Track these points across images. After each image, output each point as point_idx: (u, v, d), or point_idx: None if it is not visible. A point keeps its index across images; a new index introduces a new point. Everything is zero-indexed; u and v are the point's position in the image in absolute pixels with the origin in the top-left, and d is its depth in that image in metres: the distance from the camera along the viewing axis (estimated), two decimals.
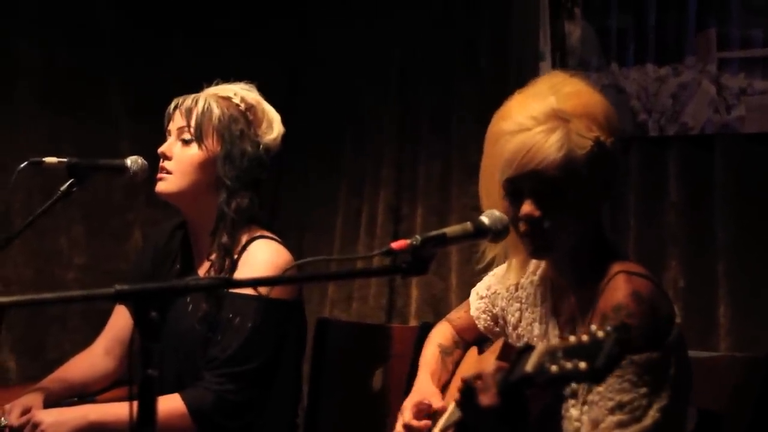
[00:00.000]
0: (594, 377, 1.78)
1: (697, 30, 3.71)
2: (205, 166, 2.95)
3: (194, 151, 2.95)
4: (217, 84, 3.04)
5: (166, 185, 2.96)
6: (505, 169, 2.17)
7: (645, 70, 3.81)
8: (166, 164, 2.96)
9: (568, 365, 1.78)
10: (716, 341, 3.60)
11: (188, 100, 2.97)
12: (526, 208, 2.16)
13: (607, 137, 2.17)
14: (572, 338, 1.82)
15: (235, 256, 2.93)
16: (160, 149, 2.98)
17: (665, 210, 3.77)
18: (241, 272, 2.89)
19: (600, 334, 1.77)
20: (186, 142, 2.95)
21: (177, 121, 2.98)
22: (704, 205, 3.70)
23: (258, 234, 2.97)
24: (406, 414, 2.47)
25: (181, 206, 3.03)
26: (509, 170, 2.16)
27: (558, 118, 2.14)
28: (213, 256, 2.93)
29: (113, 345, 3.14)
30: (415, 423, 2.46)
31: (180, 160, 2.95)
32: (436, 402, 2.48)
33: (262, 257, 2.91)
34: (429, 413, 2.50)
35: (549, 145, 2.13)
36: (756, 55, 3.61)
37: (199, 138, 2.93)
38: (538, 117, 2.14)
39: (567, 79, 2.24)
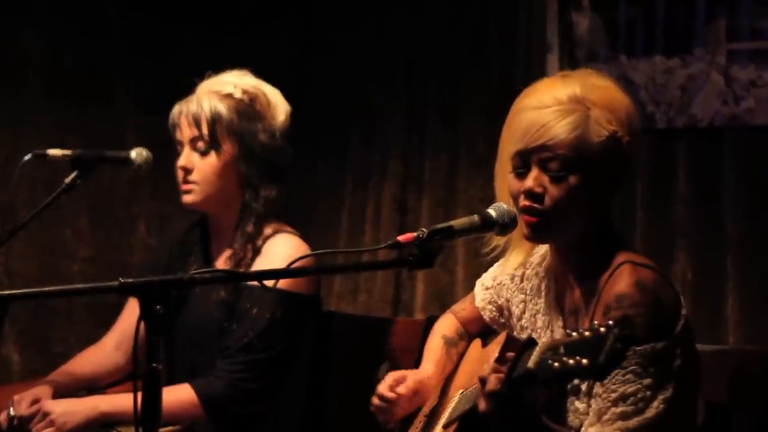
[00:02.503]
0: (596, 373, 1.78)
1: (706, 21, 3.69)
2: (228, 170, 2.94)
3: (213, 159, 2.93)
4: (209, 77, 3.01)
5: (194, 197, 2.95)
6: (518, 142, 2.18)
7: (653, 61, 3.80)
8: (189, 178, 2.94)
9: (571, 362, 1.78)
10: (725, 334, 3.59)
11: (192, 106, 2.94)
12: (529, 182, 2.17)
13: (625, 135, 2.19)
14: (574, 334, 1.81)
15: (258, 245, 2.92)
16: (180, 164, 2.95)
17: (673, 202, 3.76)
18: (261, 264, 2.89)
19: (602, 329, 1.77)
20: (203, 153, 2.93)
21: (186, 131, 2.95)
22: (713, 197, 3.68)
23: (281, 228, 2.97)
24: (382, 385, 2.52)
25: (209, 211, 3.02)
26: (521, 143, 2.18)
27: (580, 102, 2.16)
28: (236, 244, 2.92)
29: (123, 340, 3.13)
30: (387, 393, 2.49)
31: (202, 171, 2.94)
32: (402, 387, 2.50)
33: (282, 252, 2.91)
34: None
35: (563, 123, 2.14)
36: (765, 47, 3.59)
37: (216, 146, 2.92)
38: (561, 98, 2.17)
39: (598, 74, 2.27)
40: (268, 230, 2.96)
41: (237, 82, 2.99)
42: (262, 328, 2.85)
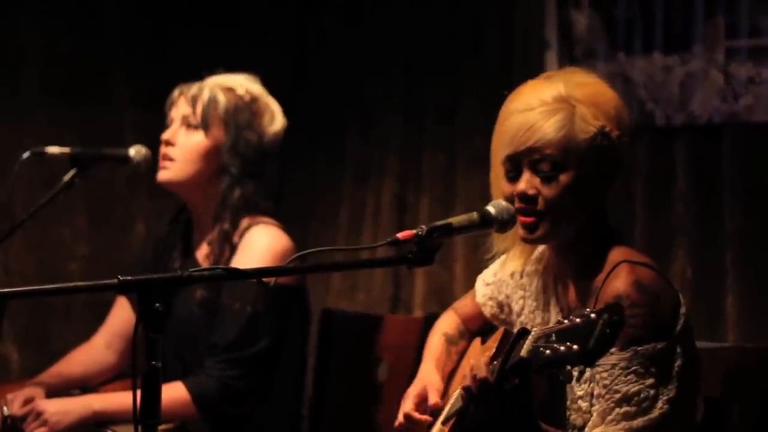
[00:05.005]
0: (586, 359, 1.80)
1: (704, 19, 3.68)
2: (209, 155, 2.95)
3: (199, 139, 2.94)
4: (219, 74, 3.04)
5: (168, 174, 2.96)
6: (507, 146, 2.19)
7: (652, 59, 3.79)
8: (169, 150, 2.95)
9: (561, 348, 1.80)
10: (724, 332, 3.58)
11: (193, 88, 2.97)
12: (522, 185, 2.18)
13: (614, 129, 2.19)
14: (566, 321, 1.83)
15: (235, 240, 2.92)
16: (164, 135, 2.97)
17: (672, 200, 3.75)
18: (240, 257, 2.89)
19: (592, 316, 1.78)
20: (191, 128, 2.94)
21: (181, 108, 2.97)
22: (712, 194, 3.68)
23: (258, 220, 2.96)
24: (408, 403, 2.45)
25: (183, 194, 3.02)
26: (510, 147, 2.19)
27: (565, 101, 2.17)
28: (212, 241, 2.92)
29: (114, 338, 3.14)
30: (416, 415, 2.43)
31: (184, 148, 2.95)
32: (433, 397, 2.45)
33: (261, 243, 2.91)
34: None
35: (549, 124, 2.15)
36: (764, 44, 3.59)
37: (205, 125, 2.93)
38: (546, 99, 2.18)
39: (582, 72, 2.28)
40: (243, 224, 2.96)
41: (243, 82, 3.02)
42: (245, 322, 2.85)
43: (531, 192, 2.17)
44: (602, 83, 2.25)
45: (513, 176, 2.20)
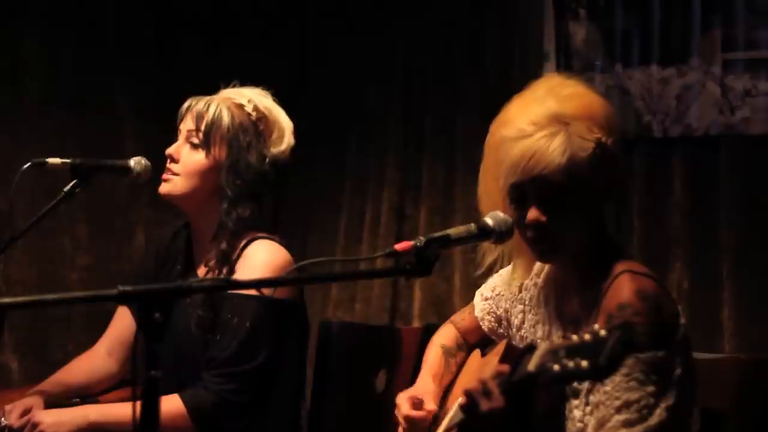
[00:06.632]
0: (596, 375, 1.79)
1: (701, 31, 3.70)
2: (209, 173, 2.94)
3: (200, 157, 2.94)
4: (234, 86, 3.03)
5: (170, 187, 2.96)
6: (509, 176, 2.18)
7: (649, 71, 3.81)
8: (172, 166, 2.96)
9: (570, 364, 1.79)
10: (721, 343, 3.59)
11: (201, 104, 2.96)
12: (533, 214, 2.17)
13: (608, 137, 2.18)
14: (575, 337, 1.82)
15: (233, 259, 2.92)
16: (168, 150, 2.97)
17: (670, 211, 3.76)
18: (240, 273, 2.89)
19: (603, 333, 1.78)
20: (194, 147, 2.95)
21: (187, 123, 2.97)
22: (709, 206, 3.70)
23: (256, 235, 2.97)
24: (404, 407, 2.47)
25: (184, 208, 3.03)
26: (513, 176, 2.17)
27: (558, 121, 2.16)
28: (211, 262, 2.92)
29: (115, 346, 3.14)
30: (414, 413, 2.45)
31: (186, 164, 2.95)
32: (429, 403, 2.46)
33: (260, 258, 2.91)
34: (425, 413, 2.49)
35: (552, 149, 2.14)
36: (761, 57, 3.62)
37: (206, 145, 2.92)
38: (539, 121, 2.15)
39: (564, 82, 2.26)
40: (242, 243, 2.96)
41: (253, 98, 3.00)
42: (244, 337, 2.84)
43: (542, 219, 2.16)
44: (586, 91, 2.24)
45: (518, 202, 2.19)
